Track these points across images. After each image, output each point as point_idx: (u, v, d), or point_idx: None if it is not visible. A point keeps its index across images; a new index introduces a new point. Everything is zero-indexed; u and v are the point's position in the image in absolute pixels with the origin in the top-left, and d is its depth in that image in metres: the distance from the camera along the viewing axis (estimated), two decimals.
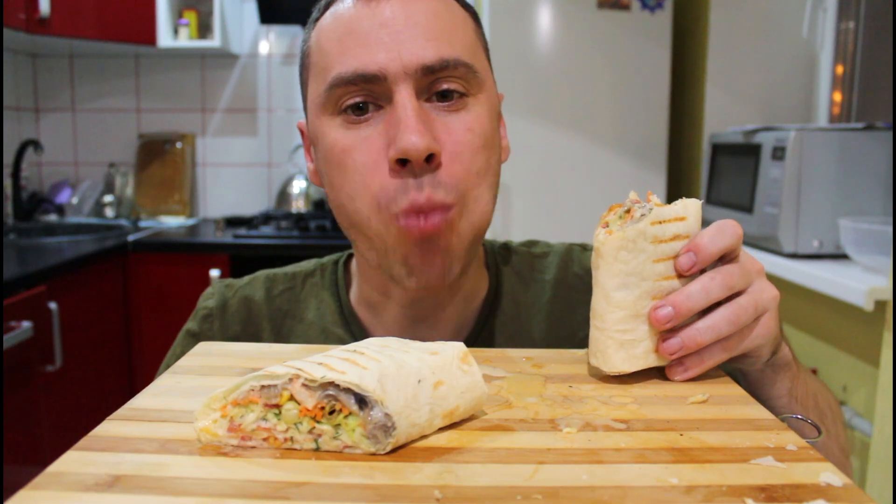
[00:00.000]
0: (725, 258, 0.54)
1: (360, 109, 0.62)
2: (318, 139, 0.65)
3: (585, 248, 0.81)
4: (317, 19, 0.67)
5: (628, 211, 0.54)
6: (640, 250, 0.53)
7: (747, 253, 0.56)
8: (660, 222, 0.53)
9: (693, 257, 0.53)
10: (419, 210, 0.60)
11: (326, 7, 0.66)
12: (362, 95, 0.61)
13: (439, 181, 0.60)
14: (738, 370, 0.61)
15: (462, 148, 0.62)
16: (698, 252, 0.53)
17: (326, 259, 0.80)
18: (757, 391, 0.61)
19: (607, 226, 0.54)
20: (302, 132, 0.73)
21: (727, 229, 0.53)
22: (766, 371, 0.60)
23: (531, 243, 0.82)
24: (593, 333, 0.55)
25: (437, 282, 0.63)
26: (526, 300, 0.76)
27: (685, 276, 0.54)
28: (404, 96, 0.60)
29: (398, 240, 0.62)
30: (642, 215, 0.53)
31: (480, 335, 0.73)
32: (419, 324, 0.72)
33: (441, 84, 0.62)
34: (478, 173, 0.63)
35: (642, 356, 0.54)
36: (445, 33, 0.62)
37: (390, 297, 0.71)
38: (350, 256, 0.79)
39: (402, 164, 0.59)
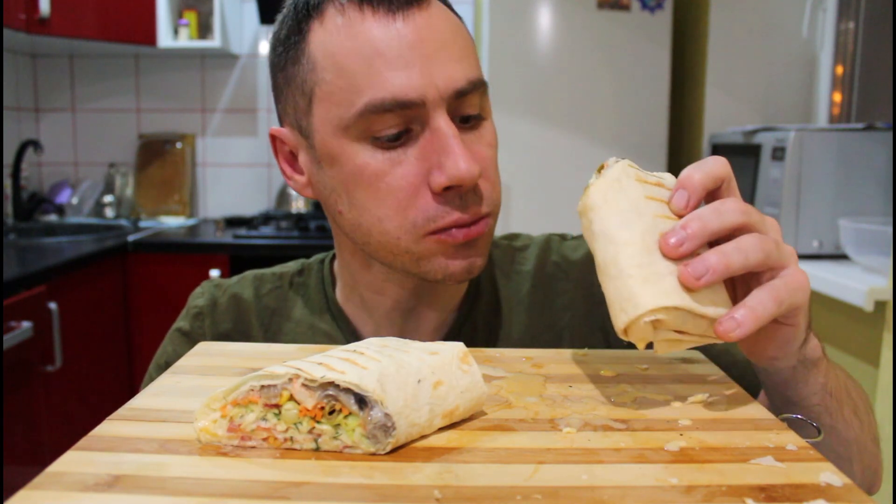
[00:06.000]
0: (722, 190, 0.51)
1: (393, 137, 0.61)
2: (339, 159, 0.63)
3: (564, 238, 0.81)
4: (305, 21, 0.64)
5: (601, 168, 0.52)
6: (627, 188, 0.49)
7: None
8: (635, 168, 0.51)
9: (684, 192, 0.49)
10: (464, 225, 0.63)
11: (317, 11, 0.63)
12: (399, 123, 0.61)
13: (479, 197, 0.64)
14: (768, 373, 0.57)
15: (488, 164, 0.65)
16: (687, 183, 0.49)
17: (312, 259, 0.81)
18: (789, 391, 0.57)
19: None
20: (278, 140, 0.69)
21: (711, 159, 0.50)
22: (798, 368, 0.55)
23: (512, 237, 0.83)
24: (609, 289, 0.48)
25: (468, 277, 0.66)
26: (507, 293, 0.78)
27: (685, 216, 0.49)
28: (443, 122, 0.61)
29: (435, 250, 0.64)
30: (616, 161, 0.51)
31: (463, 328, 0.75)
32: (409, 318, 0.73)
33: (465, 109, 0.64)
34: (497, 182, 0.67)
35: (674, 292, 0.46)
36: (465, 51, 0.64)
37: (385, 295, 0.72)
38: (335, 256, 0.80)
39: (448, 188, 0.61)
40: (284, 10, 0.67)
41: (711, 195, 0.51)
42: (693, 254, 0.47)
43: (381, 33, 0.60)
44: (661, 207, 0.49)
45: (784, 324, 0.51)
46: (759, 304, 0.47)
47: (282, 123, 0.70)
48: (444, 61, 0.61)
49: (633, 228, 0.48)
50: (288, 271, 0.80)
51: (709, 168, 0.50)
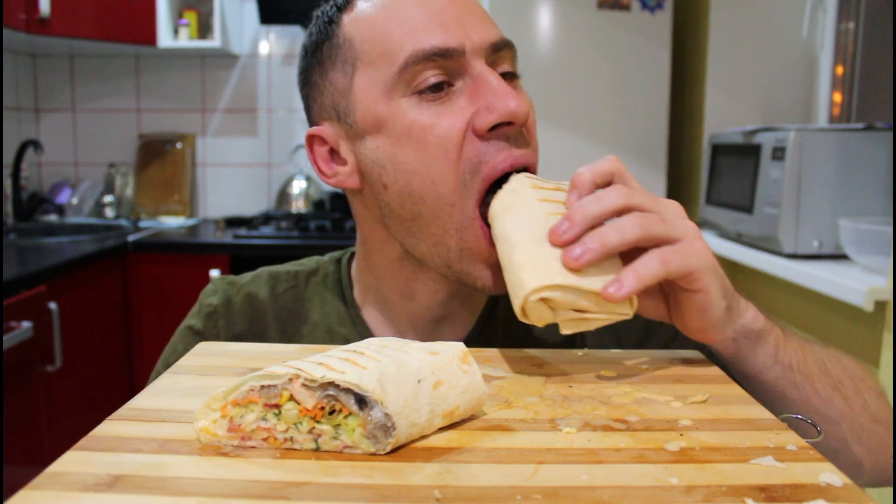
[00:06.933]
0: (614, 183, 0.55)
1: (436, 88, 0.62)
2: (385, 123, 0.63)
3: None
4: (336, 16, 0.67)
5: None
6: (522, 194, 0.56)
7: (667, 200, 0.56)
8: (532, 178, 0.58)
9: (575, 190, 0.54)
10: (514, 164, 0.62)
11: (346, 6, 0.67)
12: (441, 73, 0.62)
13: (526, 141, 0.64)
14: (717, 351, 0.58)
15: (531, 121, 0.65)
16: (577, 182, 0.54)
17: (327, 257, 0.79)
18: (741, 367, 0.58)
19: None
20: (316, 140, 0.69)
21: (603, 158, 0.55)
22: (739, 341, 0.57)
23: None
24: (507, 281, 0.54)
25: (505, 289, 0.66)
26: None
27: None
28: (484, 69, 0.62)
29: (480, 235, 0.62)
30: (515, 174, 0.60)
31: (483, 332, 0.74)
32: (436, 324, 0.71)
33: (502, 65, 0.65)
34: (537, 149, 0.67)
35: (558, 273, 0.51)
36: (491, 20, 0.67)
37: (413, 299, 0.70)
38: (352, 255, 0.78)
39: (493, 130, 0.61)
40: (312, 22, 0.69)
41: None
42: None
43: (408, 2, 0.64)
44: (555, 207, 0.55)
45: (688, 289, 0.54)
46: (643, 266, 0.51)
47: (316, 125, 0.69)
48: (476, 21, 0.64)
49: (525, 228, 0.54)
50: (303, 270, 0.78)
51: (598, 166, 0.55)
